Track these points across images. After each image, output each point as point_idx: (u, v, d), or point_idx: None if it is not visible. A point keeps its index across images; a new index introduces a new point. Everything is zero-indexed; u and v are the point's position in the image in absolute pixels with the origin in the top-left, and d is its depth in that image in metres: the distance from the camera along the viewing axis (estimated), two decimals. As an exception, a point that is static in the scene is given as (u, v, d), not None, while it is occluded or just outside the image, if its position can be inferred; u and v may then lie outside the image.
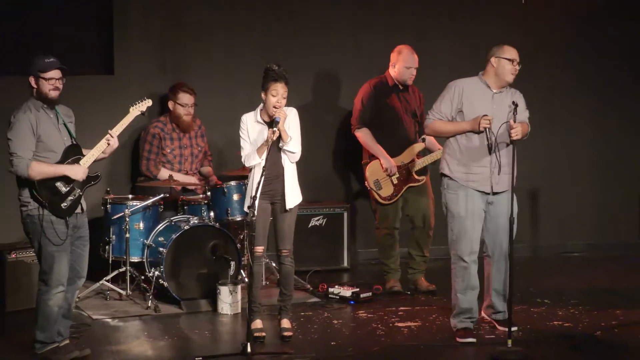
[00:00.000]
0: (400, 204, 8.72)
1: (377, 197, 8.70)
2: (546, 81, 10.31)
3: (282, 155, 7.29)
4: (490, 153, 7.15)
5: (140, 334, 7.58)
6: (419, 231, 8.75)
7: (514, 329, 7.08)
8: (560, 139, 10.51)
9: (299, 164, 7.41)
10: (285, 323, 7.41)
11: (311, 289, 8.81)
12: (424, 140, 8.67)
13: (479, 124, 7.10)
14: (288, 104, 7.30)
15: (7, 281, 8.06)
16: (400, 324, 7.77)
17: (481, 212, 7.27)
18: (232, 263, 8.22)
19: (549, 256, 10.43)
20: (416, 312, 8.12)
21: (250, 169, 7.36)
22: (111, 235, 8.51)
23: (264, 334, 7.32)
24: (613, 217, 10.68)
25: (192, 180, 9.00)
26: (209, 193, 8.69)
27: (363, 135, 8.73)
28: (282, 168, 7.30)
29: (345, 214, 9.62)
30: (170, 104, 9.10)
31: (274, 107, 7.17)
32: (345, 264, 9.63)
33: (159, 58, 9.55)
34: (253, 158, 7.25)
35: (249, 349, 6.81)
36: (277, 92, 7.18)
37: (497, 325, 7.48)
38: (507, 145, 7.15)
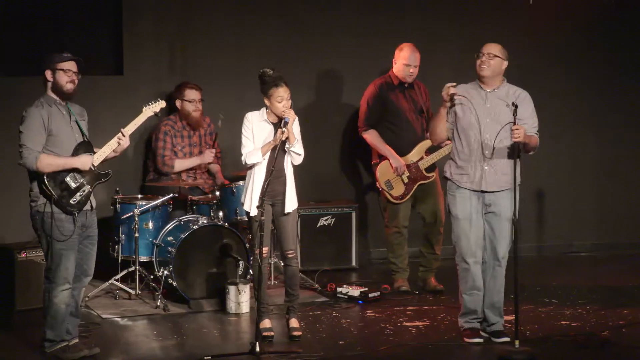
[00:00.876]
0: (410, 202, 8.75)
1: (389, 197, 8.71)
2: (550, 82, 10.28)
3: (286, 156, 7.31)
4: (482, 151, 7.13)
5: (149, 333, 7.60)
6: (430, 227, 8.77)
7: (506, 339, 7.08)
8: (566, 140, 10.49)
9: (307, 164, 7.43)
10: (294, 322, 7.43)
11: (320, 288, 8.83)
12: None
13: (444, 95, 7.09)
14: (295, 106, 7.29)
15: (18, 280, 8.08)
16: (408, 324, 7.79)
17: (479, 213, 7.19)
18: (241, 263, 8.24)
19: (555, 256, 10.43)
20: (424, 311, 8.13)
21: (248, 168, 7.35)
22: (120, 235, 8.53)
23: (272, 333, 7.34)
24: (619, 217, 10.66)
25: (196, 161, 9.00)
26: (217, 193, 8.72)
27: (371, 137, 8.75)
28: (285, 169, 7.32)
29: (354, 214, 9.61)
30: (178, 103, 9.13)
31: (283, 111, 7.19)
32: (354, 263, 9.63)
33: (169, 59, 9.57)
34: (255, 156, 7.25)
35: (257, 348, 6.83)
36: (282, 98, 7.19)
37: (491, 338, 7.23)
38: (508, 146, 7.08)
